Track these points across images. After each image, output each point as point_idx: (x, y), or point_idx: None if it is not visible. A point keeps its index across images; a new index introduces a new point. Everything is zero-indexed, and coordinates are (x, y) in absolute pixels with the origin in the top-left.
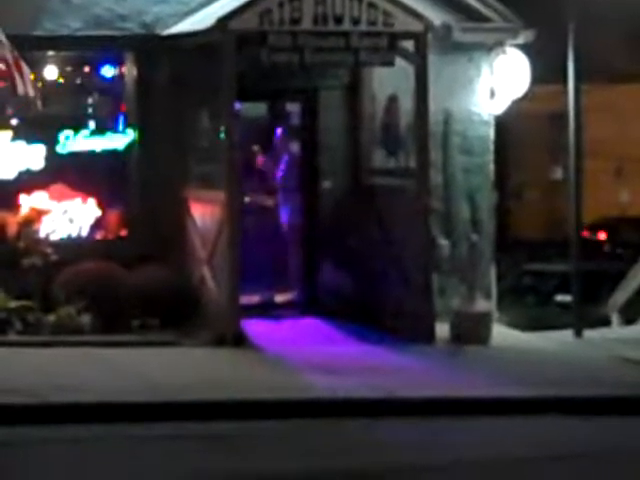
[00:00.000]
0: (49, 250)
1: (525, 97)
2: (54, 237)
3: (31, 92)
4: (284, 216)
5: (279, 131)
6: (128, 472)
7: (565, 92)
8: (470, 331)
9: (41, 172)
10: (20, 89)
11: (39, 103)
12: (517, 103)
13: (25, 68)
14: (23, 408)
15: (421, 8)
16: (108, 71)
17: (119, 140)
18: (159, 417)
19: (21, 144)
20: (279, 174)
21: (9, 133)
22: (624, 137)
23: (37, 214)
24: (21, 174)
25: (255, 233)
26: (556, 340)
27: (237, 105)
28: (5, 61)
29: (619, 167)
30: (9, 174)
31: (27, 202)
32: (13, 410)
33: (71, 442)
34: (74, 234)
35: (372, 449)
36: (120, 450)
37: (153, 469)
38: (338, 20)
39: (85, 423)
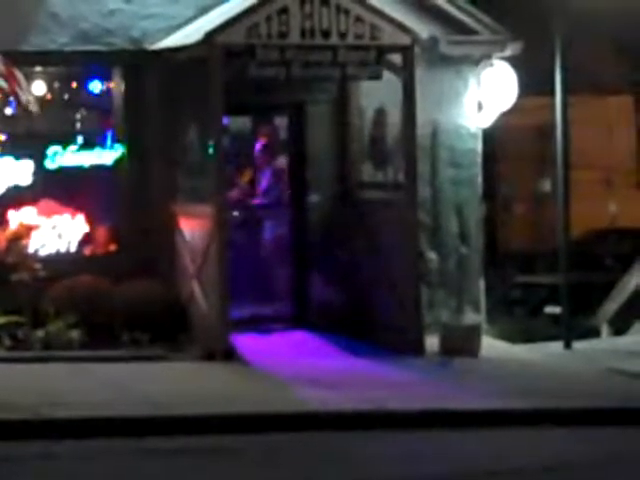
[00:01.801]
0: (38, 266)
1: (512, 110)
2: (43, 252)
3: (31, 99)
4: (271, 230)
5: (259, 145)
6: None
7: (552, 104)
8: (459, 344)
9: (29, 187)
10: (23, 98)
11: (37, 109)
12: (505, 116)
13: (19, 76)
14: (15, 423)
15: (408, 21)
16: (96, 86)
17: (107, 155)
18: (151, 431)
19: (9, 160)
20: (262, 188)
21: None
22: (612, 149)
23: (26, 229)
24: (9, 190)
25: (243, 247)
26: (546, 352)
27: (225, 119)
28: (1, 74)
29: (608, 178)
30: None
31: (15, 218)
32: (5, 425)
33: (63, 457)
34: (63, 249)
35: (363, 462)
36: (112, 464)
37: None
38: (325, 34)
39: (77, 438)
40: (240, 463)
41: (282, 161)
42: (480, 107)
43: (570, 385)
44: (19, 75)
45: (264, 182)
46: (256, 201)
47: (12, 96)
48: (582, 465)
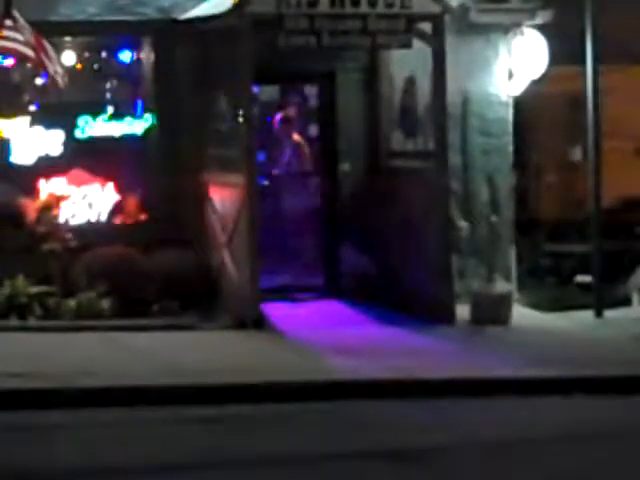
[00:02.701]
0: (68, 235)
1: (543, 78)
2: (73, 222)
3: (59, 70)
4: (300, 199)
5: (279, 116)
6: (147, 454)
7: (584, 73)
8: (490, 312)
9: (60, 157)
10: (50, 69)
11: (66, 80)
12: (536, 84)
13: (48, 47)
14: (45, 392)
15: None
16: (126, 56)
17: (137, 125)
18: (183, 400)
19: (40, 130)
20: (284, 158)
21: (27, 119)
22: None
23: (56, 199)
24: (40, 160)
25: (274, 217)
26: (576, 320)
27: (255, 88)
28: (30, 44)
29: (638, 146)
30: (28, 160)
31: (46, 187)
32: (36, 394)
33: (95, 425)
34: (93, 219)
35: (393, 430)
36: (143, 432)
37: (175, 450)
38: (355, 2)
39: (109, 407)
40: (272, 432)
41: (309, 131)
42: (510, 75)
43: (600, 353)
44: (48, 46)
45: (286, 152)
46: (276, 171)
47: (40, 67)
48: (615, 432)
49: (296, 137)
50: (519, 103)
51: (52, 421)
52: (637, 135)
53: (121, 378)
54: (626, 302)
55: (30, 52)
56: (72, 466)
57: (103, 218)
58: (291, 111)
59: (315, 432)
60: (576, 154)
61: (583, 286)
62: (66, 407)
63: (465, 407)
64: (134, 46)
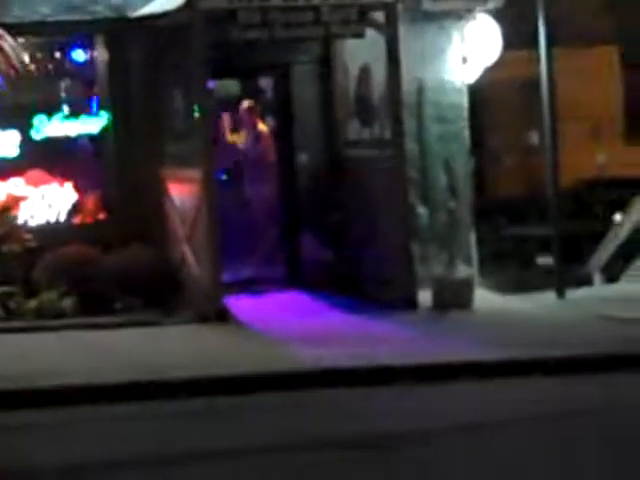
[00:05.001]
0: (28, 236)
1: (498, 63)
2: (32, 223)
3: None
4: (259, 191)
5: (243, 106)
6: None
7: (537, 57)
8: (452, 297)
9: (17, 158)
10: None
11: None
12: (490, 70)
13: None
14: (10, 393)
15: None
16: (79, 55)
17: (93, 123)
18: (147, 396)
19: None
20: (247, 148)
21: None
22: (598, 100)
23: (14, 200)
24: None
25: (232, 209)
26: (539, 302)
27: (210, 83)
28: None
29: (595, 129)
30: None
31: (3, 189)
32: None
33: (59, 425)
34: (52, 219)
35: (361, 418)
36: (108, 429)
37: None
38: None
39: (74, 406)
40: (237, 423)
41: (269, 122)
42: (464, 62)
43: (564, 333)
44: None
45: (248, 143)
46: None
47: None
48: (580, 412)
49: (261, 126)
50: (474, 89)
51: (15, 423)
52: (592, 116)
53: (87, 376)
54: (588, 282)
55: None
56: (39, 464)
57: (62, 218)
58: (251, 103)
59: (283, 422)
60: (533, 138)
61: (544, 268)
62: (25, 408)
63: (431, 392)
64: (87, 45)
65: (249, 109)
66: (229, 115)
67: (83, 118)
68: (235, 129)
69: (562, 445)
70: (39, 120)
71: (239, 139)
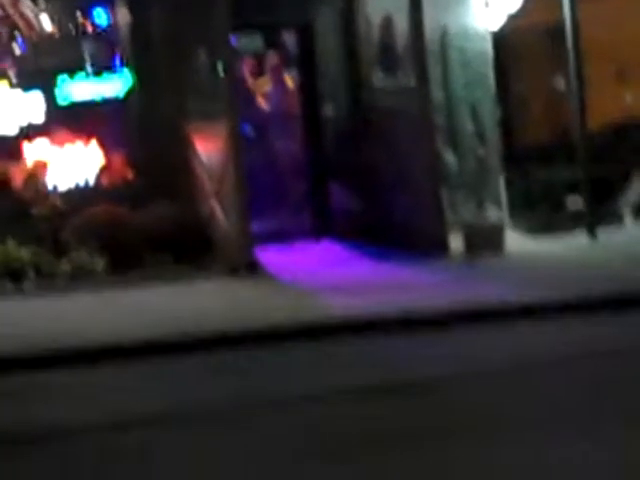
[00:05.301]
0: (56, 200)
1: (521, 10)
2: (60, 187)
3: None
4: (286, 143)
5: (271, 60)
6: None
7: (561, 2)
8: (483, 241)
9: (42, 122)
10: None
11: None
12: (514, 17)
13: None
14: (49, 353)
15: None
16: (101, 15)
17: (117, 83)
18: (182, 350)
19: (19, 93)
20: (273, 101)
21: (6, 85)
22: (624, 43)
23: (42, 166)
24: (23, 125)
25: (260, 162)
26: (570, 243)
27: (233, 39)
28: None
29: (620, 70)
30: (10, 125)
31: (31, 152)
32: (36, 357)
33: (95, 383)
34: (80, 182)
35: (394, 364)
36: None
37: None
38: None
39: (109, 364)
40: (275, 373)
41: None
42: (488, 8)
43: (597, 273)
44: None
45: (274, 96)
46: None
47: (20, 20)
48: (618, 351)
49: (287, 80)
50: (498, 36)
51: (51, 382)
52: (618, 59)
53: (119, 335)
54: (618, 223)
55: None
56: (81, 423)
57: (90, 180)
58: (275, 57)
59: (315, 370)
60: (559, 83)
61: (574, 210)
62: (61, 368)
63: (464, 336)
64: (108, 4)
65: (273, 62)
66: (252, 62)
67: (106, 77)
68: (258, 75)
69: (596, 386)
70: (62, 81)
71: (262, 87)
